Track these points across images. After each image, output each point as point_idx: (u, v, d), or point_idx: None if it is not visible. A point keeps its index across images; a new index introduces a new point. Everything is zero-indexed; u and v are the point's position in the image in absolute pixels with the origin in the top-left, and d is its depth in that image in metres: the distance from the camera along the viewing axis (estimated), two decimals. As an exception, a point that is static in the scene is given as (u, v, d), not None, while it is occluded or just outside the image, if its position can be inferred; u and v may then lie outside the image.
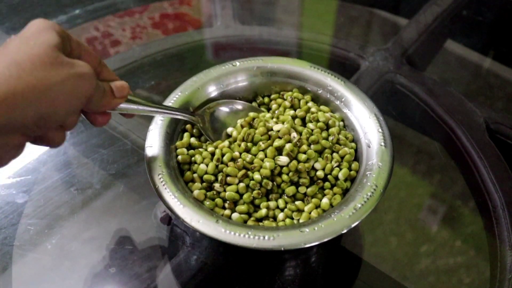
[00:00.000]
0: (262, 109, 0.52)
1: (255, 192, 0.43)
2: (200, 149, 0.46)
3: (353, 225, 0.39)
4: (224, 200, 0.44)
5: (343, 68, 0.69)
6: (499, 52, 0.76)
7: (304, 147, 0.44)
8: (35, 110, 0.31)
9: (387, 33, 0.79)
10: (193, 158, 0.46)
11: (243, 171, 0.43)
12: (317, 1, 0.86)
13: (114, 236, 0.48)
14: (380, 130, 0.46)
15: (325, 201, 0.43)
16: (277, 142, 0.44)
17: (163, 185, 0.41)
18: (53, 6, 0.78)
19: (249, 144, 0.45)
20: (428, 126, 0.62)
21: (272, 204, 0.44)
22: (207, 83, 0.51)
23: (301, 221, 0.42)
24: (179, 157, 0.45)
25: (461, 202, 0.54)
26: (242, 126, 0.47)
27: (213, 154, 0.45)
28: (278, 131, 0.45)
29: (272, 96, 0.52)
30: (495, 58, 0.75)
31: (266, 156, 0.44)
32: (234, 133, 0.46)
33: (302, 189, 0.44)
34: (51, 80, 0.31)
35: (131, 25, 0.76)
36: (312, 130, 0.46)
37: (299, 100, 0.51)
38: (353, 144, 0.47)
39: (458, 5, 0.79)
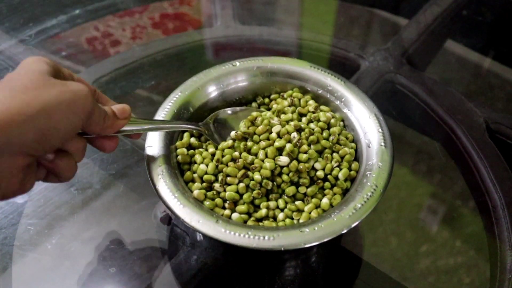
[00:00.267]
0: (263, 109, 0.52)
1: (255, 192, 0.43)
2: (200, 149, 0.47)
3: (353, 225, 0.39)
4: (224, 200, 0.44)
5: (343, 68, 0.69)
6: (499, 52, 0.76)
7: (304, 147, 0.44)
8: (33, 126, 0.31)
9: (387, 33, 0.79)
10: (193, 158, 0.46)
11: (243, 171, 0.43)
12: (317, 1, 0.86)
13: (114, 236, 0.48)
14: (380, 130, 0.46)
15: (325, 201, 0.43)
16: (278, 142, 0.44)
17: (163, 185, 0.41)
18: (53, 6, 0.78)
19: (250, 144, 0.45)
20: (428, 126, 0.62)
21: (272, 204, 0.44)
22: (207, 83, 0.51)
23: (301, 221, 0.42)
24: (179, 157, 0.45)
25: (461, 202, 0.54)
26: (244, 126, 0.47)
27: (213, 154, 0.45)
28: (278, 131, 0.45)
29: (272, 96, 0.52)
30: (495, 58, 0.75)
31: (266, 156, 0.44)
32: (235, 133, 0.46)
33: (302, 189, 0.44)
34: (44, 96, 0.32)
35: (131, 25, 0.76)
36: (313, 129, 0.46)
37: (300, 100, 0.51)
38: (353, 144, 0.47)
39: (458, 5, 0.79)
